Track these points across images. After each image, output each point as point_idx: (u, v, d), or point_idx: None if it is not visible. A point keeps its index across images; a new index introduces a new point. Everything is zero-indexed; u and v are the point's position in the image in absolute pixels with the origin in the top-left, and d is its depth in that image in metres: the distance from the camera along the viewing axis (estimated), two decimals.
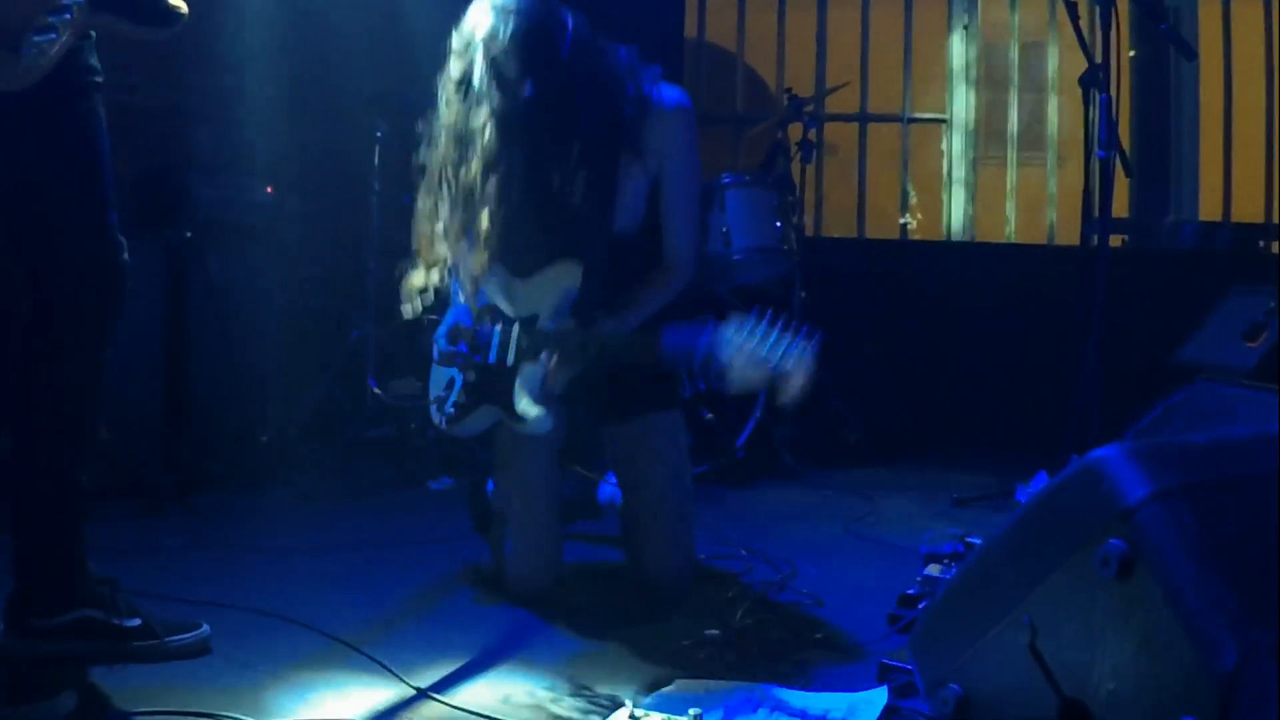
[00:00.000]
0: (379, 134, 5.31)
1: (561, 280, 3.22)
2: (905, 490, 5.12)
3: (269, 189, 5.24)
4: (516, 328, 3.25)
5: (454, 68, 3.16)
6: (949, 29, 7.61)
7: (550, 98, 3.12)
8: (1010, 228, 7.46)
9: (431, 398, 3.48)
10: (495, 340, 3.29)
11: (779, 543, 4.04)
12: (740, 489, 5.06)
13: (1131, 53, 6.77)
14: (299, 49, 6.02)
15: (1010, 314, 6.46)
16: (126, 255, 2.79)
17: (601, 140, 3.26)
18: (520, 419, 3.19)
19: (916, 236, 7.65)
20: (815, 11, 7.58)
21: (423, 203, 3.26)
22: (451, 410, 3.38)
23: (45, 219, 2.71)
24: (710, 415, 5.09)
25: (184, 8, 2.74)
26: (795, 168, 6.02)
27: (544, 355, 3.13)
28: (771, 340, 2.77)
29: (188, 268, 4.81)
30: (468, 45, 3.12)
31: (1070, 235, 6.90)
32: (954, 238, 7.45)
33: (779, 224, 5.37)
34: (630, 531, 3.48)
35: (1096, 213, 3.90)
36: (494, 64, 3.08)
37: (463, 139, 3.15)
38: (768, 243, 5.33)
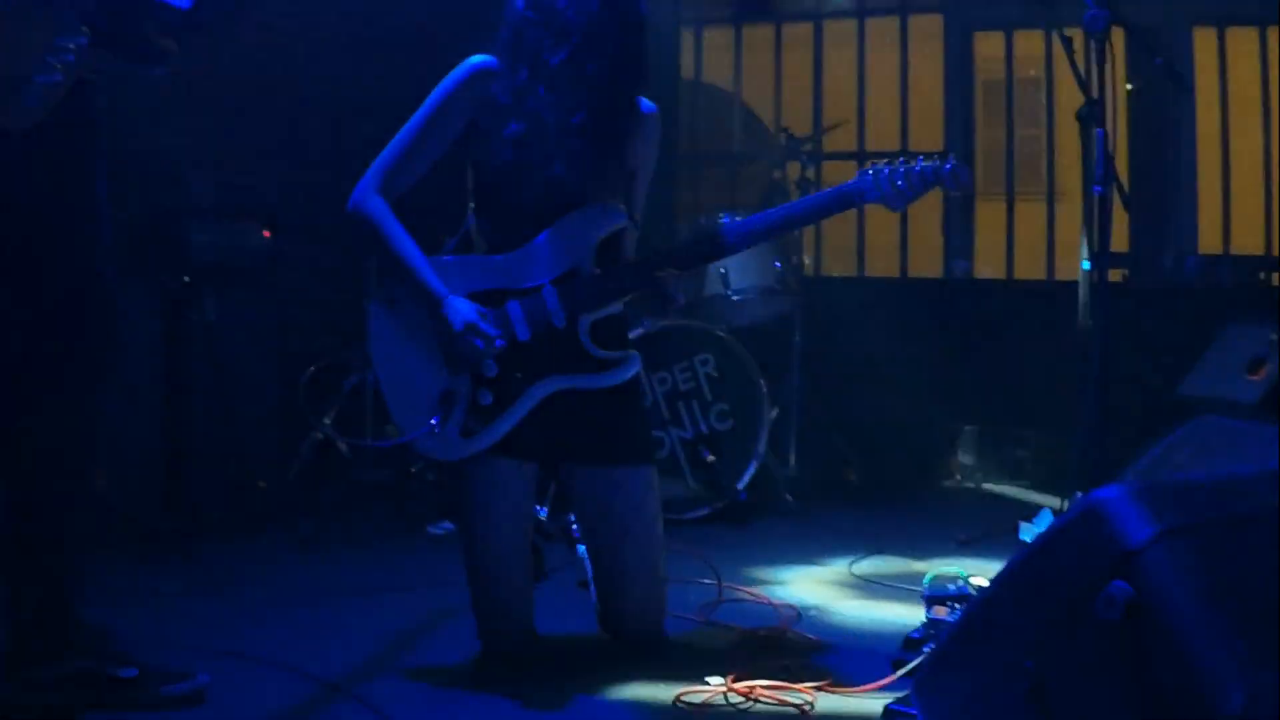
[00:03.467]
0: None
1: (591, 230, 3.24)
2: (908, 530, 5.09)
3: (266, 233, 5.23)
4: (553, 289, 3.18)
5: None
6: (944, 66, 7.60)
7: (619, 52, 3.20)
8: (1009, 264, 7.43)
9: (421, 430, 3.13)
10: (524, 313, 3.19)
11: (781, 584, 4.01)
12: (742, 530, 5.03)
13: (1128, 86, 6.76)
14: (296, 93, 6.04)
15: (1010, 350, 6.44)
16: (120, 303, 2.78)
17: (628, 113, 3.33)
18: (603, 365, 3.21)
19: (916, 274, 7.63)
20: (811, 50, 7.60)
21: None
22: (474, 423, 3.14)
23: (42, 264, 2.70)
24: (712, 457, 5.07)
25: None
26: None
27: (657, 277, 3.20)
28: None
29: (185, 312, 4.80)
30: None
31: (1070, 271, 6.89)
32: (952, 275, 7.43)
33: (777, 263, 5.37)
34: (604, 582, 3.34)
35: (1095, 248, 3.87)
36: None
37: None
38: (766, 283, 5.33)
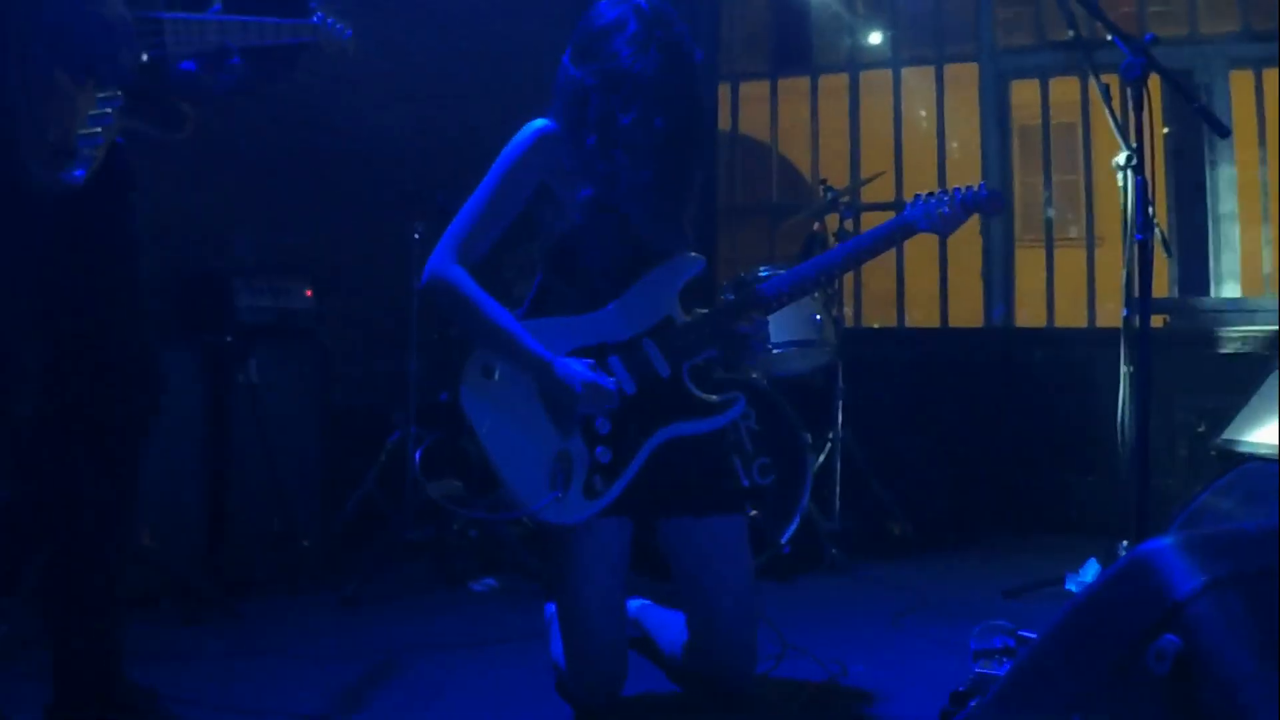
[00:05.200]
0: (417, 234, 5.34)
1: (675, 279, 3.32)
2: (954, 582, 5.05)
3: (308, 291, 5.27)
4: (652, 341, 3.24)
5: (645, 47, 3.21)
6: (980, 114, 7.61)
7: (684, 104, 3.28)
8: (1050, 311, 7.40)
9: (546, 500, 3.10)
10: (626, 367, 3.23)
11: (826, 639, 3.98)
12: (786, 585, 5.00)
13: (1165, 130, 6.74)
14: (336, 151, 6.10)
15: (1054, 399, 6.41)
16: (163, 362, 2.82)
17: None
18: (710, 408, 3.26)
19: (956, 324, 7.61)
20: (848, 101, 7.62)
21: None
22: (599, 482, 3.13)
23: (85, 322, 2.73)
24: (755, 511, 5.03)
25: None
26: None
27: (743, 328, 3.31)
28: None
29: (228, 371, 4.84)
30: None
31: (1111, 317, 6.86)
32: (994, 324, 7.42)
33: (817, 316, 5.35)
34: (698, 631, 3.36)
35: (1137, 294, 3.86)
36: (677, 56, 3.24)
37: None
38: (805, 336, 5.30)
